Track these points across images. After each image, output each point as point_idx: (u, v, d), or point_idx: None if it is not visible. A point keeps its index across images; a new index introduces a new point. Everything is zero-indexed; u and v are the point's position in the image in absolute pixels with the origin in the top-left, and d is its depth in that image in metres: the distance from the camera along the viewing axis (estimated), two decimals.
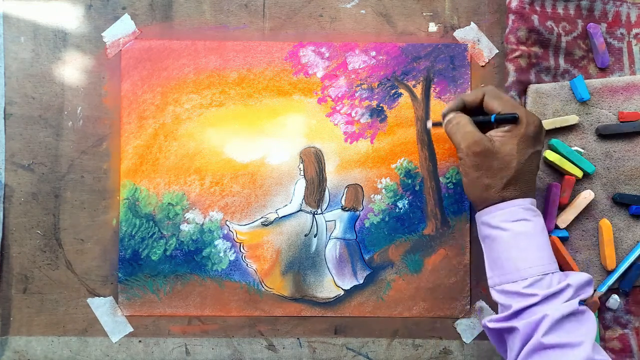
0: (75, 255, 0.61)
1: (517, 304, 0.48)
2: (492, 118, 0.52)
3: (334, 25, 0.62)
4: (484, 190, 0.51)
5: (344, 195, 0.62)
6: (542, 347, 0.45)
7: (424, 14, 0.62)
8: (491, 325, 0.50)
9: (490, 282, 0.52)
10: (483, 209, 0.52)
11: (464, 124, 0.52)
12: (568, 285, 0.47)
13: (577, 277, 0.49)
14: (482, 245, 0.53)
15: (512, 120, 0.51)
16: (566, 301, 0.47)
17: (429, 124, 0.60)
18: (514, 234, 0.50)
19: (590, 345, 0.45)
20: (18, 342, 0.60)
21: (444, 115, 0.55)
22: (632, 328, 0.60)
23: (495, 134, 0.51)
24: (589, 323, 0.47)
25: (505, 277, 0.50)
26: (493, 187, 0.51)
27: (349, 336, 0.61)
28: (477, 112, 0.54)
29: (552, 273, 0.49)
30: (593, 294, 0.57)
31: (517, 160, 0.50)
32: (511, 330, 0.48)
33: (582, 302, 0.48)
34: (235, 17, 0.62)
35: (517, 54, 0.59)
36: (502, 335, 0.50)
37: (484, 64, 0.62)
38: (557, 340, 0.45)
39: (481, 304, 0.61)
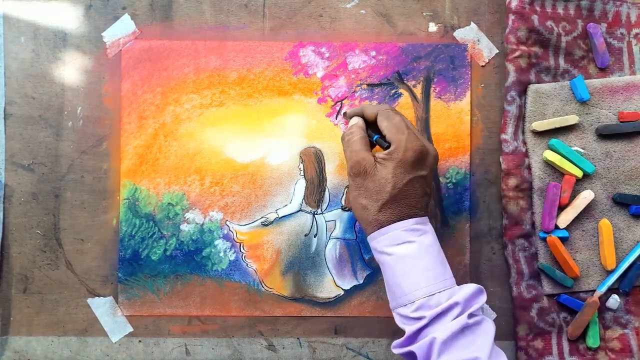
0: (75, 255, 0.61)
1: (408, 327, 0.48)
2: (374, 139, 0.54)
3: (334, 25, 0.62)
4: (362, 210, 0.51)
5: (344, 195, 0.62)
6: None
7: (424, 14, 0.62)
8: (395, 351, 0.50)
9: (390, 305, 0.52)
10: (370, 233, 0.52)
11: (354, 142, 0.53)
12: (455, 303, 0.47)
13: (465, 291, 0.48)
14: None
15: (386, 148, 0.52)
16: (455, 318, 0.47)
17: (342, 113, 0.60)
18: (397, 258, 0.49)
19: (485, 359, 0.45)
20: (18, 342, 0.60)
21: (349, 116, 0.57)
22: (632, 328, 0.60)
23: (379, 155, 0.51)
24: (485, 335, 0.47)
25: (397, 301, 0.50)
26: (369, 209, 0.51)
27: (349, 336, 0.61)
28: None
29: (441, 292, 0.48)
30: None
31: (392, 185, 0.50)
32: (411, 354, 0.48)
33: (475, 314, 0.48)
34: (235, 17, 0.62)
35: (517, 54, 0.59)
36: (413, 358, 0.49)
37: (484, 64, 0.62)
38: None
39: None
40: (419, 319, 0.48)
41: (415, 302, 0.48)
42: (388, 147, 0.51)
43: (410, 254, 0.49)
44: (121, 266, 0.61)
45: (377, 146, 0.54)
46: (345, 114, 0.59)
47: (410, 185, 0.50)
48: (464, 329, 0.46)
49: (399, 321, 0.50)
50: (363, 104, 0.59)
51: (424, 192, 0.52)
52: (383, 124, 0.53)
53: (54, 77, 0.61)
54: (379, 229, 0.50)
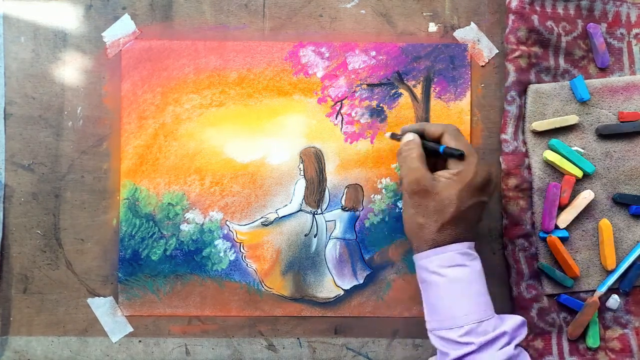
0: (75, 255, 0.61)
1: (454, 352, 0.48)
2: (441, 149, 0.52)
3: (334, 25, 0.62)
4: (418, 229, 0.51)
5: (344, 195, 0.62)
6: None
7: (424, 14, 0.62)
8: None
9: (428, 326, 0.52)
10: (420, 252, 0.51)
11: (412, 159, 0.52)
12: (504, 333, 0.48)
13: (512, 322, 0.49)
14: (420, 288, 0.53)
15: (458, 156, 0.51)
16: (501, 348, 0.47)
17: (387, 135, 0.58)
18: (449, 280, 0.49)
19: None
20: (18, 342, 0.60)
21: (403, 132, 0.55)
22: (632, 328, 0.60)
23: (442, 174, 0.51)
24: None
25: (442, 323, 0.50)
26: (427, 228, 0.50)
27: (349, 336, 0.61)
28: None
29: (489, 319, 0.49)
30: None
31: (455, 207, 0.49)
32: None
33: (517, 346, 0.49)
34: (235, 17, 0.62)
35: (517, 54, 0.59)
36: None
37: (484, 64, 0.62)
38: None
39: None
40: (467, 344, 0.47)
41: (464, 327, 0.48)
42: (461, 156, 0.51)
43: (463, 278, 0.49)
44: (121, 266, 0.61)
45: (435, 159, 0.54)
46: (392, 135, 0.57)
47: (472, 209, 0.50)
48: (509, 359, 0.47)
49: (438, 343, 0.50)
50: (421, 123, 0.57)
51: (480, 218, 0.52)
52: (451, 143, 0.52)
53: (54, 77, 0.61)
54: (433, 248, 0.50)
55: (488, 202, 0.52)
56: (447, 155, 0.52)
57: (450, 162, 0.52)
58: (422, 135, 0.54)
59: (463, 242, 0.50)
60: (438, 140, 0.53)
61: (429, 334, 0.51)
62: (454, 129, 0.53)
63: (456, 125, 0.55)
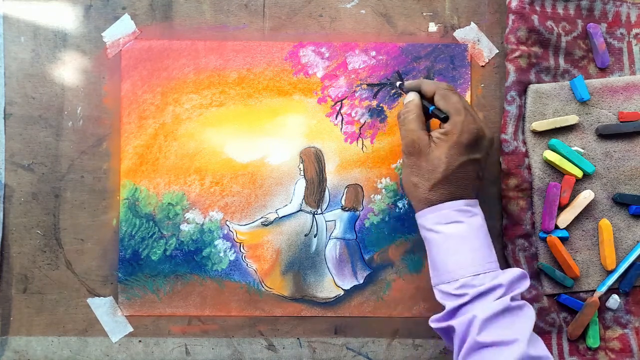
0: (75, 255, 0.61)
1: (450, 303, 0.49)
2: (430, 110, 0.53)
3: (334, 25, 0.62)
4: (413, 189, 0.52)
5: (344, 195, 0.62)
6: (479, 346, 0.46)
7: (424, 14, 0.62)
8: (433, 325, 0.51)
9: (432, 281, 0.52)
10: (418, 211, 0.52)
11: (409, 121, 0.53)
12: (499, 284, 0.48)
13: (509, 274, 0.49)
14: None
15: (442, 119, 0.52)
16: (497, 299, 0.47)
17: (398, 84, 0.60)
18: (445, 237, 0.50)
19: (524, 342, 0.45)
20: (18, 342, 0.60)
21: (406, 89, 0.56)
22: (632, 328, 0.60)
23: (434, 134, 0.52)
24: (526, 318, 0.47)
25: (441, 277, 0.51)
26: (420, 187, 0.51)
27: (349, 336, 0.61)
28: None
29: (486, 273, 0.49)
30: (532, 290, 0.56)
31: (445, 166, 0.50)
32: (450, 329, 0.49)
33: (516, 298, 0.48)
34: (235, 17, 0.62)
35: (517, 54, 0.59)
36: (449, 333, 0.50)
37: (484, 64, 0.62)
38: (492, 339, 0.45)
39: None
40: (461, 295, 0.48)
41: (459, 280, 0.49)
42: (445, 119, 0.51)
43: (459, 234, 0.50)
44: (121, 266, 0.61)
45: (433, 120, 0.54)
46: (400, 85, 0.58)
47: (463, 168, 0.51)
48: (505, 311, 0.47)
49: (439, 297, 0.51)
50: (420, 78, 0.58)
51: (477, 176, 0.52)
52: (440, 104, 0.53)
53: (54, 77, 0.61)
54: (429, 206, 0.51)
55: (484, 159, 0.52)
56: (434, 117, 0.53)
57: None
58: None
59: (458, 200, 0.51)
60: (431, 98, 0.54)
61: (434, 290, 0.52)
62: (444, 88, 0.53)
63: (449, 83, 0.56)
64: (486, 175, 0.55)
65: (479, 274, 0.49)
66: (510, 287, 0.48)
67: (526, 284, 0.50)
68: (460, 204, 0.50)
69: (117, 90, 0.61)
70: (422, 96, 0.55)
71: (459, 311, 0.48)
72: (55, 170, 0.61)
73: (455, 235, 0.50)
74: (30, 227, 0.61)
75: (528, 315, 0.48)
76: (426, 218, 0.51)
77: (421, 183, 0.51)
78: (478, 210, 0.52)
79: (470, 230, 0.50)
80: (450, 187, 0.51)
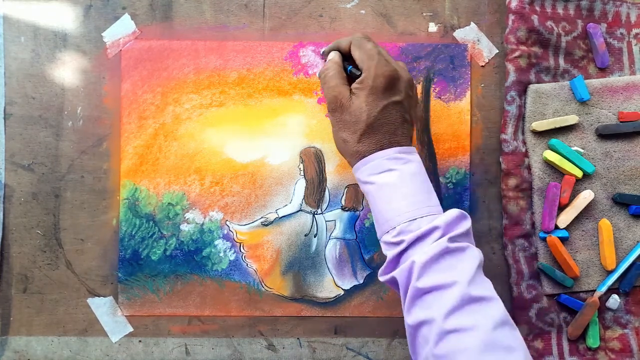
0: (75, 255, 0.61)
1: (390, 252, 0.48)
2: (348, 70, 0.53)
3: (334, 25, 0.62)
4: (343, 145, 0.52)
5: (344, 195, 0.62)
6: (420, 293, 0.45)
7: (424, 14, 0.62)
8: (381, 278, 0.49)
9: (377, 236, 0.51)
10: (353, 164, 0.52)
11: (330, 77, 0.52)
12: (435, 227, 0.46)
13: (446, 216, 0.47)
14: None
15: (358, 76, 0.52)
16: (435, 242, 0.46)
17: (321, 52, 0.60)
18: (379, 186, 0.49)
19: (464, 283, 0.43)
20: (18, 342, 0.60)
21: (323, 54, 0.57)
22: (632, 328, 0.60)
23: (353, 86, 0.51)
24: (468, 260, 0.45)
25: (381, 228, 0.50)
26: (349, 142, 0.51)
27: (349, 336, 0.61)
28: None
29: (422, 217, 0.47)
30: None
31: (366, 114, 0.49)
32: (395, 281, 0.48)
33: (454, 239, 0.46)
34: (235, 17, 0.62)
35: (517, 54, 0.59)
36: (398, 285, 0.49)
37: (484, 64, 0.62)
38: (431, 283, 0.44)
39: None
40: (399, 243, 0.47)
41: (396, 228, 0.48)
42: (359, 76, 0.51)
43: (392, 182, 0.49)
44: (121, 266, 0.61)
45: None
46: (323, 52, 0.59)
47: (385, 113, 0.50)
48: (444, 253, 0.45)
49: (384, 249, 0.50)
50: (337, 40, 0.57)
51: (403, 119, 0.51)
52: (356, 54, 0.52)
53: (54, 77, 0.61)
54: (361, 159, 0.50)
55: (406, 101, 0.51)
56: (352, 76, 0.53)
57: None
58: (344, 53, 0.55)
59: (389, 148, 0.50)
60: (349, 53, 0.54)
61: (380, 244, 0.51)
62: (358, 37, 0.53)
63: (364, 33, 0.56)
64: (416, 115, 0.54)
65: (415, 219, 0.47)
66: (448, 228, 0.47)
67: (465, 223, 0.48)
68: (391, 152, 0.49)
69: (117, 90, 0.61)
70: (345, 58, 0.55)
71: (400, 260, 0.47)
72: (55, 170, 0.61)
73: (389, 184, 0.49)
74: (30, 227, 0.61)
75: (471, 257, 0.46)
76: (361, 171, 0.51)
77: (349, 137, 0.51)
78: (414, 157, 0.50)
79: (403, 177, 0.49)
80: (377, 135, 0.50)
